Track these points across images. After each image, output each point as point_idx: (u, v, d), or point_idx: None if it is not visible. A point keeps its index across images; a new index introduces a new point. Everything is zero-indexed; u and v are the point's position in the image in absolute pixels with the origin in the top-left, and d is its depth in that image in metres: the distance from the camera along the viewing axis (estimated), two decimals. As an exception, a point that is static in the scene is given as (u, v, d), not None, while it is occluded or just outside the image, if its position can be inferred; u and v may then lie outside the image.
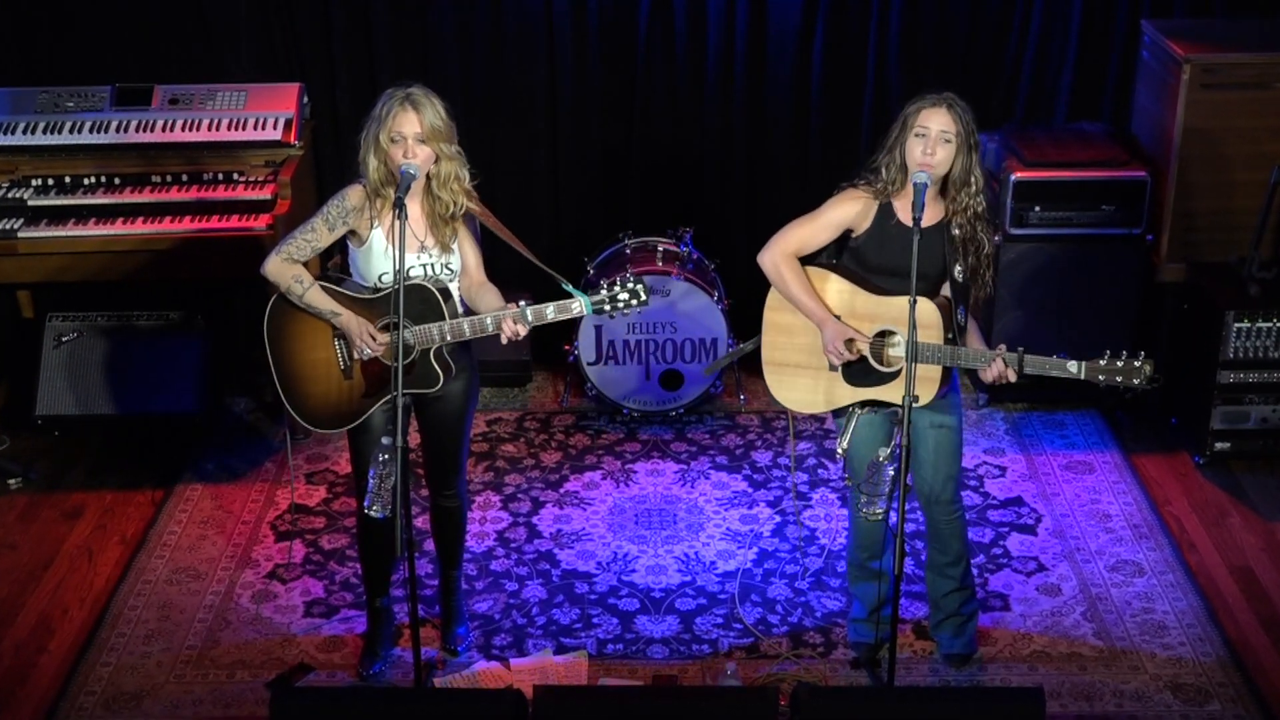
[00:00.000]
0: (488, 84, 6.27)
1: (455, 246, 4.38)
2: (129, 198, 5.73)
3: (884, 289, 4.31)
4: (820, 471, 5.76)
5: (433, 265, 4.37)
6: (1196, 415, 5.77)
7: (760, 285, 6.37)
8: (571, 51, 6.21)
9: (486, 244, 4.52)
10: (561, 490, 5.70)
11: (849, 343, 4.30)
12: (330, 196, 4.39)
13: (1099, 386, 4.15)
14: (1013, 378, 4.15)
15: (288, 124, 5.84)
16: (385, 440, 4.18)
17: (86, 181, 5.78)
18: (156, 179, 5.80)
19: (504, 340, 4.29)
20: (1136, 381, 4.07)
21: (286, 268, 4.35)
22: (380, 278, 4.37)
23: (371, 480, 4.20)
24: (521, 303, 4.26)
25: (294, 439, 5.90)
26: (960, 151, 4.20)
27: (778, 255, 4.36)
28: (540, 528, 5.48)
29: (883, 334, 4.32)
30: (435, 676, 4.68)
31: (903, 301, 4.16)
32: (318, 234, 4.35)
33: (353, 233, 4.37)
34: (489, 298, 4.39)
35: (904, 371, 4.16)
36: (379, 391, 4.40)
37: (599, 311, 4.27)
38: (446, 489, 4.69)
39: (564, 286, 4.30)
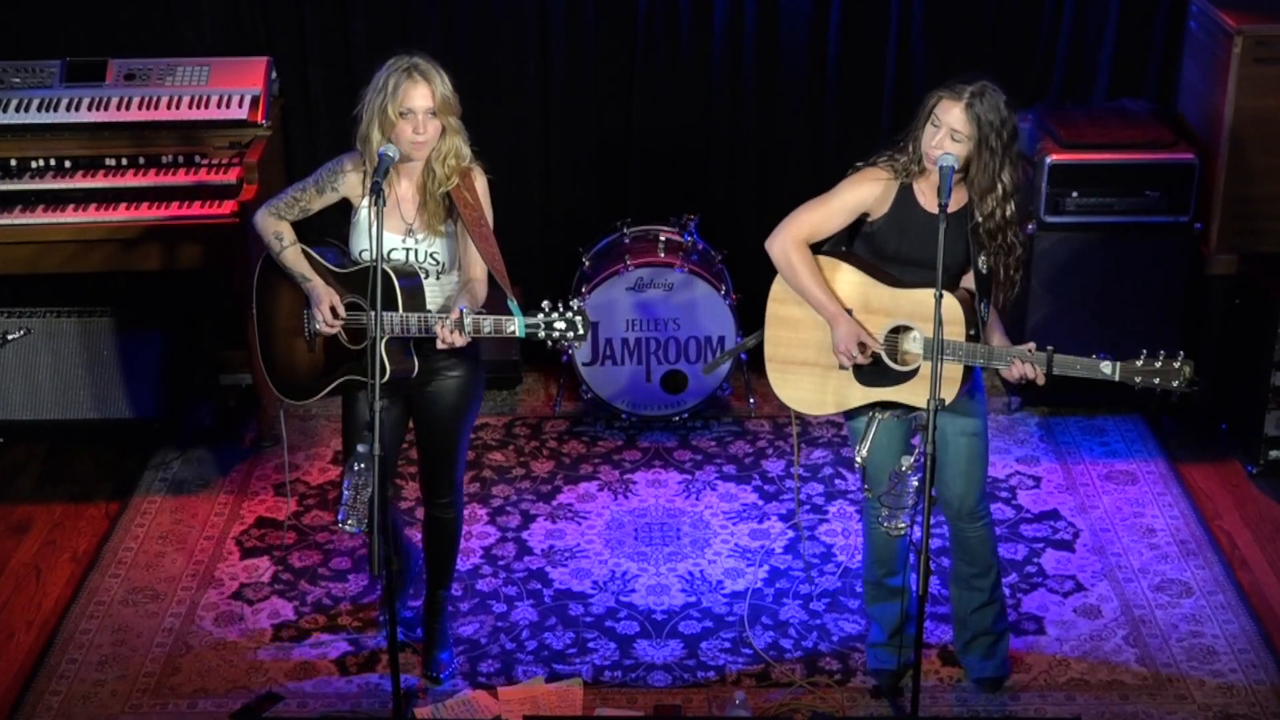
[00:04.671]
0: (473, 58, 6.26)
1: (446, 231, 4.42)
2: (80, 182, 5.72)
3: (900, 279, 4.30)
4: (837, 482, 5.75)
5: (416, 251, 4.41)
6: (1249, 421, 5.77)
7: (770, 279, 6.41)
8: (565, 23, 6.20)
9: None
10: (554, 503, 5.70)
11: (862, 346, 4.29)
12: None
13: (1134, 389, 4.14)
14: (1040, 379, 4.14)
15: (254, 102, 5.83)
16: (361, 448, 4.19)
17: (34, 165, 5.76)
18: (111, 162, 5.79)
19: (439, 344, 4.29)
20: (1175, 384, 4.05)
21: (272, 222, 4.49)
22: (360, 253, 4.46)
23: (346, 491, 4.20)
24: (461, 308, 4.26)
25: (264, 445, 5.92)
26: (976, 153, 4.17)
27: (788, 242, 4.34)
28: (531, 544, 5.47)
29: (897, 329, 4.31)
30: (416, 706, 4.68)
31: (921, 294, 4.16)
32: (307, 195, 4.49)
33: (348, 200, 4.49)
34: (464, 295, 4.41)
35: (929, 372, 4.14)
36: (334, 371, 4.50)
37: (531, 336, 4.23)
38: (439, 496, 4.71)
39: (508, 303, 4.28)
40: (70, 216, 5.64)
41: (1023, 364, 4.14)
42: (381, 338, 4.20)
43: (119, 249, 5.66)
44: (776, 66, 6.28)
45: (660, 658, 4.92)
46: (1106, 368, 4.08)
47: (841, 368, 4.36)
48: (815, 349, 4.40)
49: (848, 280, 4.34)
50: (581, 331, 4.22)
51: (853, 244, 4.41)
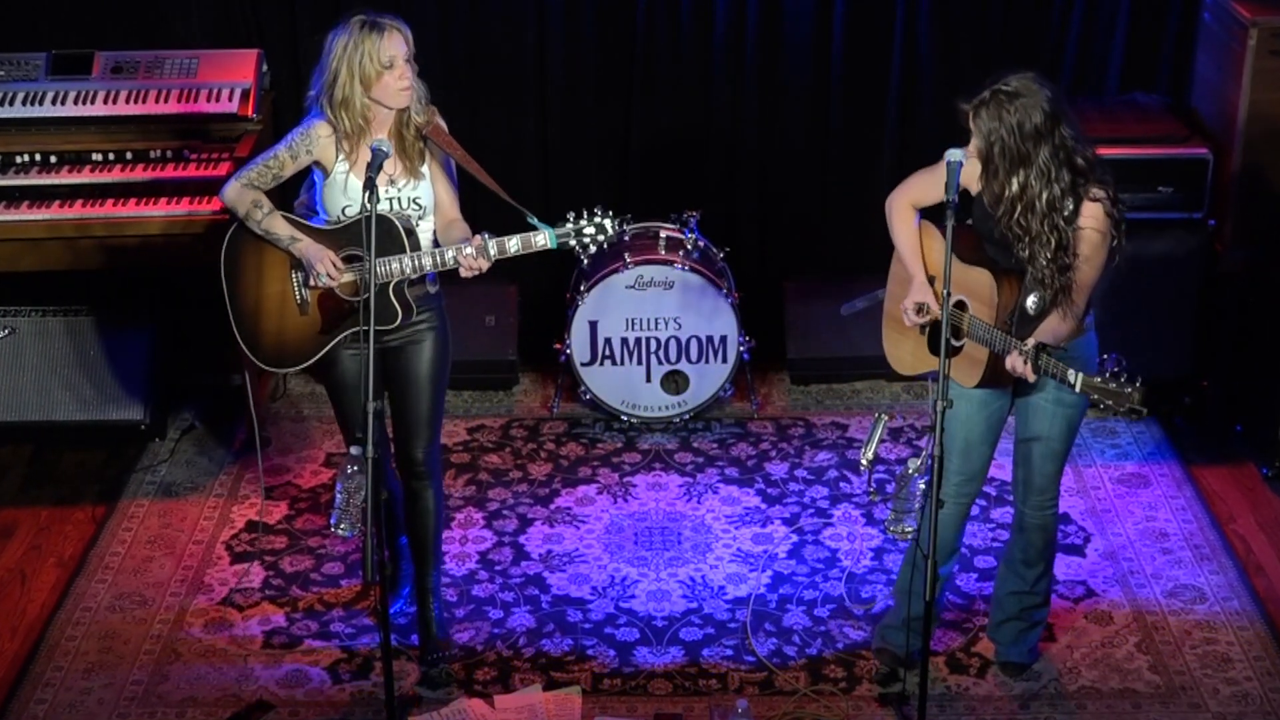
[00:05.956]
0: (469, 51, 6.25)
1: (426, 172, 4.56)
2: (67, 178, 5.71)
3: (982, 257, 4.40)
4: (842, 485, 5.75)
5: (399, 199, 4.54)
6: (1264, 422, 5.76)
7: (773, 276, 6.41)
8: (563, 15, 6.20)
9: (461, 182, 4.69)
10: (552, 506, 5.69)
11: (920, 308, 4.42)
12: (294, 125, 4.58)
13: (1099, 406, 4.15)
14: (1030, 376, 4.15)
15: (245, 95, 5.82)
16: (354, 450, 4.20)
17: (19, 160, 5.75)
18: (97, 157, 5.77)
19: (463, 273, 4.44)
20: (1121, 409, 4.03)
21: (247, 193, 4.57)
22: (344, 210, 4.54)
23: (339, 495, 4.20)
24: (484, 235, 4.41)
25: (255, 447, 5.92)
26: (985, 162, 4.22)
27: (894, 202, 4.56)
28: (528, 548, 5.46)
29: (959, 304, 4.40)
30: (411, 714, 4.67)
31: (976, 274, 4.29)
32: (280, 162, 4.57)
33: (318, 162, 4.57)
34: (456, 233, 4.57)
35: (972, 351, 4.21)
36: (335, 328, 4.59)
37: (563, 245, 4.43)
38: (413, 462, 4.73)
39: (529, 219, 4.47)
40: (55, 213, 5.63)
41: (1015, 356, 4.16)
42: (383, 287, 4.36)
43: (106, 246, 5.65)
44: (779, 60, 6.27)
45: (661, 665, 4.91)
46: (1071, 377, 4.09)
47: (922, 331, 4.51)
48: None
49: (939, 249, 4.46)
50: (610, 231, 4.45)
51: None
